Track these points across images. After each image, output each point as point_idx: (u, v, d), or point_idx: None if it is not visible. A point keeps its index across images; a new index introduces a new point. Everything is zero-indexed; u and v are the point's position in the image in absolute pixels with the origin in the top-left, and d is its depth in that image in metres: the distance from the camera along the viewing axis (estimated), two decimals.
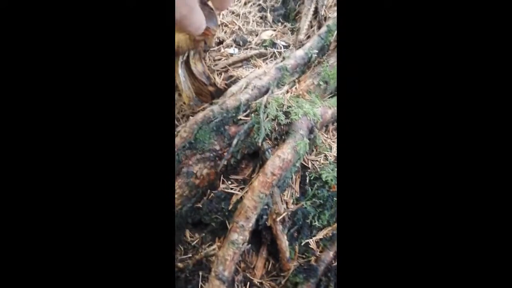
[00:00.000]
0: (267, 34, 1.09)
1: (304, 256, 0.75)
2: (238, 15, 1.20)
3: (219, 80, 0.98)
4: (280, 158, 0.70)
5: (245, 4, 1.24)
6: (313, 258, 0.73)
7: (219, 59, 1.06)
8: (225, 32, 1.15)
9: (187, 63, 0.90)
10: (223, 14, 1.20)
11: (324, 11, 0.95)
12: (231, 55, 1.06)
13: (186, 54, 0.86)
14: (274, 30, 1.12)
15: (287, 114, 0.78)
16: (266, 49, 1.04)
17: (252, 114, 0.78)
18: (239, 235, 0.70)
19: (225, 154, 0.77)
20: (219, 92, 0.97)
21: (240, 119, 0.78)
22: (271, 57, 1.03)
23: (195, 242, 0.84)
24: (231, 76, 0.98)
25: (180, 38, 0.76)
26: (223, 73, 1.03)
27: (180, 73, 0.89)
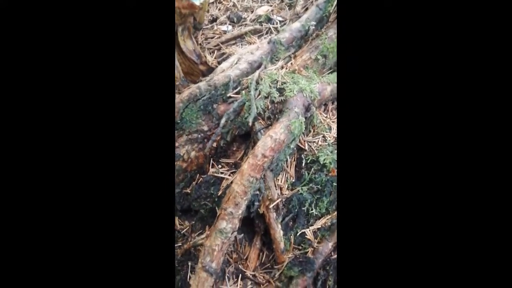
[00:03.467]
0: (263, 10, 1.01)
1: (300, 248, 0.68)
2: None
3: (210, 59, 0.91)
4: (272, 139, 0.64)
5: None
6: (310, 250, 0.66)
7: (212, 37, 0.99)
8: (219, 10, 1.08)
9: (176, 42, 0.84)
10: None
11: None
12: (225, 32, 0.99)
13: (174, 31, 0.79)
14: (271, 6, 1.04)
15: (281, 91, 0.71)
16: (261, 25, 0.96)
17: (243, 91, 0.71)
18: (228, 223, 0.64)
19: (214, 134, 0.71)
20: (211, 71, 0.90)
21: (230, 97, 0.71)
22: (266, 33, 0.95)
23: (184, 230, 0.78)
24: (223, 54, 0.91)
25: None
26: (215, 51, 0.96)
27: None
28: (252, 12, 1.04)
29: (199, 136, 0.72)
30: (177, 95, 0.72)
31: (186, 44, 0.86)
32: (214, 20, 1.04)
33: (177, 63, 0.86)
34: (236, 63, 0.75)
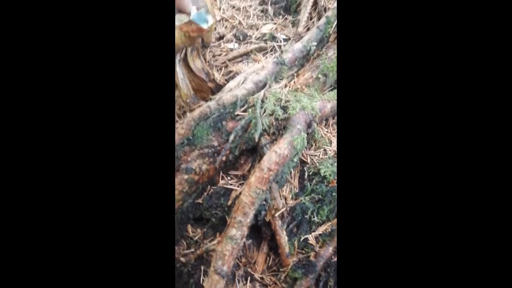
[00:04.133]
0: (267, 28, 1.08)
1: (303, 252, 0.74)
2: (238, 9, 1.19)
3: (218, 76, 0.98)
4: (276, 153, 0.70)
5: None
6: (312, 254, 0.73)
7: (219, 55, 1.05)
8: (225, 27, 1.14)
9: (185, 61, 0.91)
10: (223, 9, 1.19)
11: (324, 1, 0.93)
12: (231, 50, 1.05)
13: (183, 51, 0.86)
14: (275, 24, 1.10)
15: (284, 108, 0.77)
16: (266, 43, 1.03)
17: (249, 109, 0.77)
18: (237, 231, 0.70)
19: (223, 149, 0.77)
20: (219, 88, 0.97)
21: (238, 115, 0.78)
22: (271, 51, 1.02)
23: (197, 237, 0.85)
24: (231, 71, 0.98)
25: (177, 36, 0.76)
26: (223, 68, 1.02)
27: (178, 70, 0.90)
28: (257, 29, 1.11)
29: (210, 151, 0.78)
30: (188, 114, 0.79)
31: (195, 63, 0.93)
32: (221, 37, 1.10)
33: (187, 81, 0.92)
34: (243, 83, 0.81)
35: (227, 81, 0.98)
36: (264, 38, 1.05)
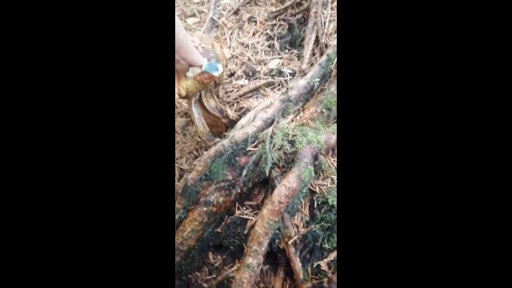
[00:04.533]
0: (274, 63, 1.16)
1: (317, 278, 0.79)
2: (247, 46, 1.29)
3: (231, 112, 1.06)
4: (286, 187, 0.76)
5: (253, 34, 1.32)
6: (325, 280, 0.77)
7: (231, 91, 1.14)
8: (235, 64, 1.24)
9: (200, 101, 1.00)
10: (233, 47, 1.29)
11: (325, 39, 1.00)
12: (242, 86, 1.14)
13: (198, 94, 0.95)
14: (281, 58, 1.19)
15: (292, 142, 0.84)
16: (274, 78, 1.11)
17: (260, 145, 0.85)
18: (254, 259, 0.76)
19: (238, 183, 0.84)
20: (232, 123, 1.05)
21: (249, 151, 0.85)
22: (278, 85, 1.09)
23: (217, 263, 0.92)
24: (242, 108, 1.06)
25: (188, 84, 0.86)
26: (235, 104, 1.11)
27: (194, 111, 0.99)
28: (265, 65, 1.19)
29: (225, 184, 0.86)
30: (205, 152, 0.87)
31: (209, 102, 1.02)
32: (232, 74, 1.19)
33: (202, 119, 1.01)
34: (253, 121, 0.89)
35: (240, 116, 1.06)
36: (271, 74, 1.13)
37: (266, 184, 0.87)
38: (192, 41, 0.88)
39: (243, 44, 1.30)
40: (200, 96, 0.98)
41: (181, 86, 0.85)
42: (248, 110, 1.03)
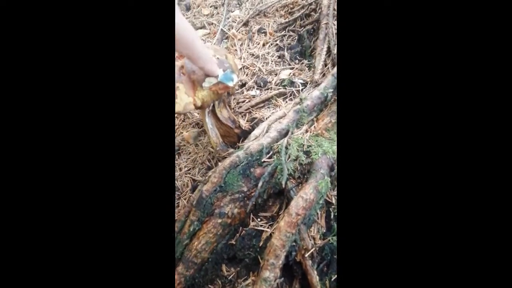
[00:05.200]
0: (285, 74, 1.16)
1: None
2: (257, 56, 1.30)
3: (243, 123, 1.07)
4: (303, 199, 0.75)
5: (263, 45, 1.33)
6: None
7: (243, 101, 1.15)
8: (246, 75, 1.24)
9: (213, 112, 1.00)
10: (243, 58, 1.30)
11: (337, 49, 1.00)
12: (253, 97, 1.14)
13: (211, 105, 0.96)
14: (292, 68, 1.19)
15: (307, 153, 0.83)
16: (285, 88, 1.11)
17: (275, 156, 0.84)
18: (270, 273, 0.75)
19: (253, 194, 0.84)
20: (245, 133, 1.05)
21: (264, 162, 0.85)
22: (290, 95, 1.09)
23: (231, 276, 0.90)
24: (254, 118, 1.06)
25: (204, 94, 0.86)
26: (247, 114, 1.11)
27: (207, 121, 0.99)
28: (276, 75, 1.20)
29: (240, 196, 0.85)
30: (219, 163, 0.87)
31: (222, 113, 1.02)
32: (243, 85, 1.20)
33: (216, 130, 1.01)
34: (267, 132, 0.88)
35: (252, 127, 1.06)
36: (283, 84, 1.13)
37: (281, 195, 0.87)
38: None
39: (253, 55, 1.31)
40: (214, 106, 0.98)
41: (197, 97, 0.85)
42: (261, 120, 1.03)
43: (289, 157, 0.83)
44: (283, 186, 0.81)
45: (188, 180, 1.07)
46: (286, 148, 0.83)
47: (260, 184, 0.81)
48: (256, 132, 0.93)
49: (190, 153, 1.15)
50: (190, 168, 1.11)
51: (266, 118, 1.02)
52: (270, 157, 0.85)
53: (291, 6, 1.42)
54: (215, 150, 1.00)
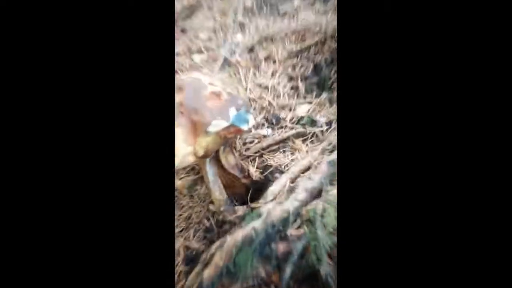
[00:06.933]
0: (303, 111, 0.96)
1: None
2: (266, 87, 1.09)
3: (253, 170, 0.83)
4: None
5: (272, 75, 1.14)
6: None
7: (251, 142, 0.92)
8: (254, 109, 1.03)
9: (216, 158, 0.77)
10: (249, 89, 1.09)
11: None
12: (264, 136, 0.93)
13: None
14: (310, 103, 0.99)
15: None
16: (305, 128, 0.90)
17: (305, 227, 0.61)
18: None
19: (275, 282, 0.59)
20: (255, 185, 0.82)
21: (291, 235, 0.61)
22: (312, 136, 0.88)
23: None
24: (268, 166, 0.83)
25: (208, 140, 0.64)
26: (256, 159, 0.88)
27: (208, 170, 0.76)
28: (290, 110, 0.99)
29: (256, 283, 0.60)
30: (228, 237, 0.62)
31: (228, 159, 0.79)
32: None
33: (219, 182, 0.78)
34: (292, 190, 0.66)
35: (265, 176, 0.84)
36: (302, 122, 0.92)
37: (315, 280, 0.62)
38: (213, 85, 0.68)
39: (261, 85, 1.11)
40: (217, 152, 0.76)
41: (199, 145, 0.62)
42: (277, 169, 0.80)
43: (325, 228, 0.60)
44: (319, 270, 0.57)
45: (180, 246, 0.81)
46: (322, 216, 0.60)
47: (288, 272, 0.57)
48: (274, 188, 0.70)
49: (183, 207, 0.90)
50: (182, 229, 0.85)
51: (284, 167, 0.80)
52: (298, 227, 0.62)
53: (302, 32, 1.26)
54: (217, 210, 0.76)
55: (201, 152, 0.65)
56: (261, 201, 0.70)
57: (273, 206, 0.64)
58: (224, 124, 0.62)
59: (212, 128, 0.62)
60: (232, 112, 0.64)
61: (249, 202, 0.82)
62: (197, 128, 0.63)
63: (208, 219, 0.84)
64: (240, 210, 0.71)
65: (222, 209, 0.74)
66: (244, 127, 0.66)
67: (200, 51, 1.38)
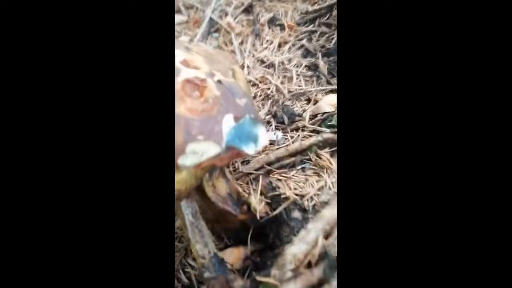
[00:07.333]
0: (329, 102, 0.64)
1: None
2: (271, 65, 0.77)
3: (256, 203, 0.53)
4: None
5: (279, 46, 0.81)
6: None
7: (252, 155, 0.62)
8: (254, 98, 0.71)
9: (199, 189, 0.47)
10: (247, 65, 0.76)
11: None
12: (271, 143, 0.62)
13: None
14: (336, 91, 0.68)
15: None
16: (335, 131, 0.59)
17: None
18: None
19: None
20: (257, 223, 0.53)
21: None
22: None
23: None
24: (277, 195, 0.53)
25: (178, 179, 0.33)
26: (260, 179, 0.58)
27: (184, 209, 0.45)
28: (308, 102, 0.67)
29: None
30: None
31: (217, 188, 0.49)
32: None
33: (201, 225, 0.48)
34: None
35: (272, 208, 0.54)
36: (329, 123, 0.61)
37: None
38: (190, 65, 0.36)
39: (263, 61, 0.78)
40: (201, 181, 0.45)
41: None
42: (295, 206, 0.51)
43: None
44: None
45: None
46: None
47: None
48: (297, 249, 0.41)
49: None
50: None
51: (308, 200, 0.50)
52: None
53: None
54: (197, 273, 0.46)
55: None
56: (275, 271, 0.40)
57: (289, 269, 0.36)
58: (213, 149, 0.31)
59: (186, 160, 0.30)
60: (228, 122, 0.33)
61: (249, 252, 0.53)
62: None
63: (189, 277, 0.54)
64: (239, 284, 0.42)
65: (205, 275, 0.44)
66: (249, 150, 0.35)
67: (178, 11, 1.02)
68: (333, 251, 0.40)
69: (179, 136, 0.30)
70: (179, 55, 0.39)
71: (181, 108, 0.31)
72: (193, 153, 0.30)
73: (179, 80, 0.33)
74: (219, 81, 0.36)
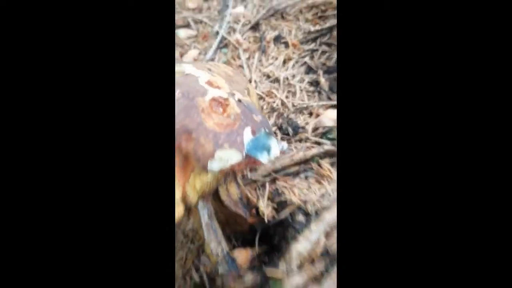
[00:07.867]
0: (329, 117, 0.71)
1: None
2: (276, 80, 0.83)
3: (263, 206, 0.59)
4: None
5: (284, 63, 0.87)
6: None
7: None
8: (261, 109, 0.77)
9: (214, 194, 0.52)
10: (254, 80, 0.82)
11: None
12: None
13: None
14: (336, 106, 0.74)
15: None
16: (334, 144, 0.65)
17: None
18: None
19: None
20: (264, 227, 0.58)
21: None
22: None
23: None
24: (283, 202, 0.59)
25: (205, 180, 0.38)
26: (267, 185, 0.64)
27: (201, 209, 0.51)
28: (310, 115, 0.74)
29: None
30: None
31: (230, 192, 0.54)
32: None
33: (215, 226, 0.53)
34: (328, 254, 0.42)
35: (278, 212, 0.60)
36: (329, 136, 0.68)
37: None
38: (213, 85, 0.41)
39: (269, 76, 0.84)
40: (217, 186, 0.51)
41: (191, 186, 0.37)
42: (299, 211, 0.56)
43: None
44: None
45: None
46: None
47: None
48: (302, 247, 0.46)
49: None
50: None
51: (310, 206, 0.56)
52: None
53: (322, 8, 0.98)
54: (214, 271, 0.51)
55: (194, 198, 0.39)
56: (282, 267, 0.46)
57: (303, 281, 0.41)
58: (236, 156, 0.37)
59: (215, 164, 0.36)
60: (247, 135, 0.39)
61: (256, 248, 0.58)
62: (189, 162, 0.38)
63: (197, 270, 0.59)
64: (250, 278, 0.47)
65: (219, 268, 0.50)
66: (263, 159, 0.41)
67: (187, 25, 1.08)
68: (334, 248, 0.45)
69: (208, 145, 0.36)
70: (203, 76, 0.45)
71: (210, 123, 0.37)
72: (220, 159, 0.36)
73: (206, 99, 0.39)
74: (239, 100, 0.42)
